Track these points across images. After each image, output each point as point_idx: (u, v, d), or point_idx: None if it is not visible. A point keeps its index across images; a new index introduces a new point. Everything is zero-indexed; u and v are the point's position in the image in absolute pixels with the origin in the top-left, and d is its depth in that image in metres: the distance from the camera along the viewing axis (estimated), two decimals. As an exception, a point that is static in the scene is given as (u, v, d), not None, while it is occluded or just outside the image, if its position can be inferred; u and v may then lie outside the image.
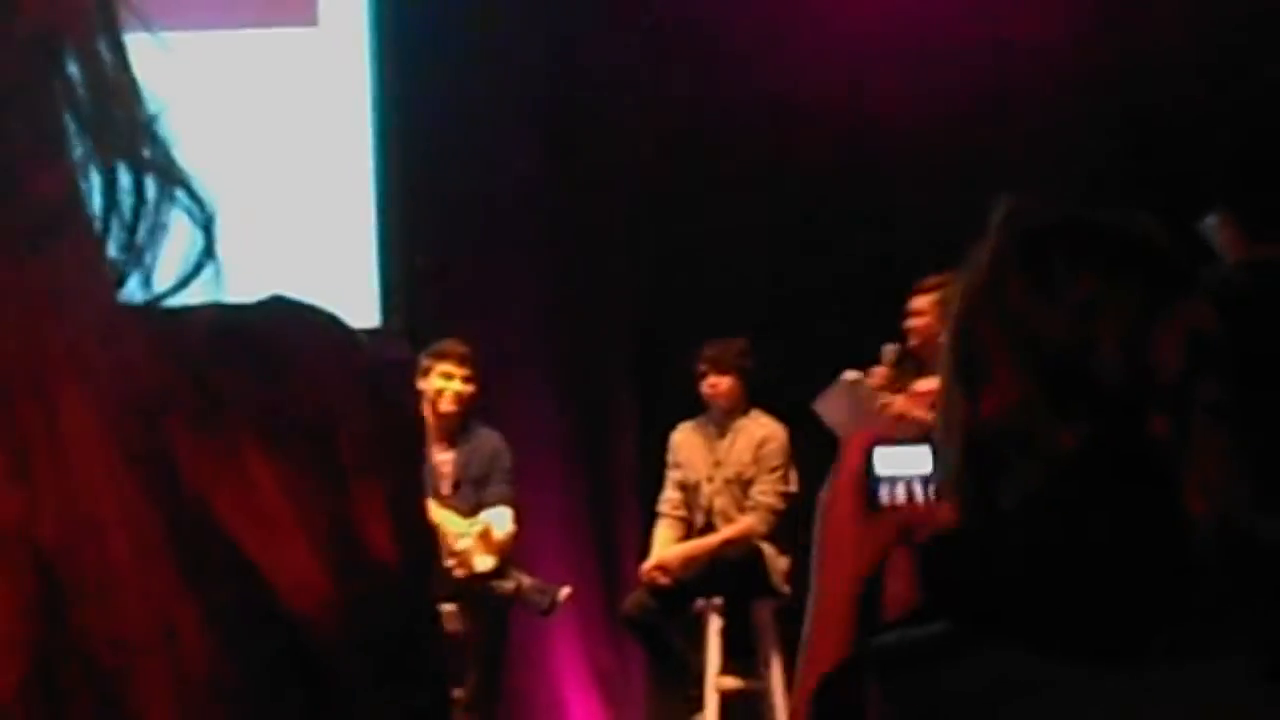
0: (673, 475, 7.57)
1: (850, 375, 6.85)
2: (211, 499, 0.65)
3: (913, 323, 6.92)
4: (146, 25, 0.68)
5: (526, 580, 7.21)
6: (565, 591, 7.25)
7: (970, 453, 1.53)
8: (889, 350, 6.98)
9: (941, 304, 6.77)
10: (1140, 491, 1.44)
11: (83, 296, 0.64)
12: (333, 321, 0.73)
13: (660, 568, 7.36)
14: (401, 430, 0.72)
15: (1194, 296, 1.50)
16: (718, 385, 7.47)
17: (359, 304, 8.04)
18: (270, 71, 8.07)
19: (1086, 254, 1.51)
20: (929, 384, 6.81)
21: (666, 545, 7.46)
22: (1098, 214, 1.56)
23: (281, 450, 0.67)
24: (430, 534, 0.74)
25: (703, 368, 7.49)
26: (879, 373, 6.99)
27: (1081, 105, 8.01)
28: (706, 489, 7.48)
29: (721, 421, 7.52)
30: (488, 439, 7.35)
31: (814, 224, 8.07)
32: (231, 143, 8.16)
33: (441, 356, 7.26)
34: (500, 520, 7.18)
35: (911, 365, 6.97)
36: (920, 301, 6.90)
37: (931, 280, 6.87)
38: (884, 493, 1.66)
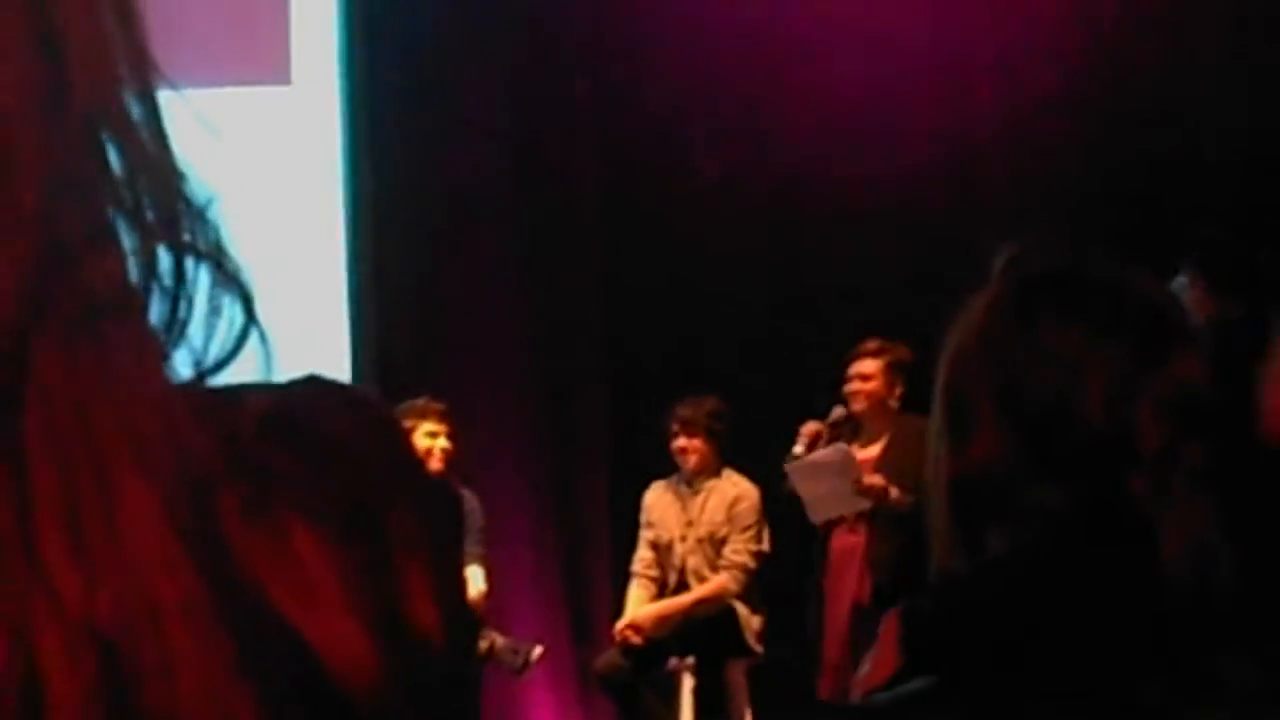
0: (645, 535, 7.55)
1: (844, 446, 6.85)
2: (264, 579, 0.65)
3: (859, 386, 6.89)
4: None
5: (499, 639, 7.18)
6: (538, 651, 7.22)
7: (955, 501, 1.52)
8: (838, 412, 6.98)
9: (888, 369, 6.78)
10: (1119, 550, 1.45)
11: (136, 379, 0.65)
12: (372, 402, 0.75)
13: (633, 627, 7.33)
14: (444, 510, 0.74)
15: (1186, 356, 1.50)
16: (688, 446, 7.45)
17: (329, 361, 8.02)
18: (244, 130, 8.07)
19: (1079, 308, 1.50)
20: (868, 452, 6.83)
21: (639, 605, 7.43)
22: (1095, 267, 1.55)
23: (330, 531, 0.68)
24: (470, 612, 0.75)
25: (674, 428, 7.47)
26: (809, 431, 7.00)
27: (1046, 167, 8.05)
28: (679, 548, 7.46)
29: (693, 481, 7.51)
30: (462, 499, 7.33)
31: (786, 284, 8.09)
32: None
33: (423, 415, 7.18)
34: (473, 579, 7.14)
35: (848, 429, 6.98)
36: (868, 365, 6.88)
37: (872, 344, 6.89)
38: None
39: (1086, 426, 1.45)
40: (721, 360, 7.84)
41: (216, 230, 0.69)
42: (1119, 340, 1.48)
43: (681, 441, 7.46)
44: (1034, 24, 8.23)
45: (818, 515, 6.87)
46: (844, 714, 1.49)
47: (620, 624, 7.40)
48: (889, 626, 1.70)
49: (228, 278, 0.69)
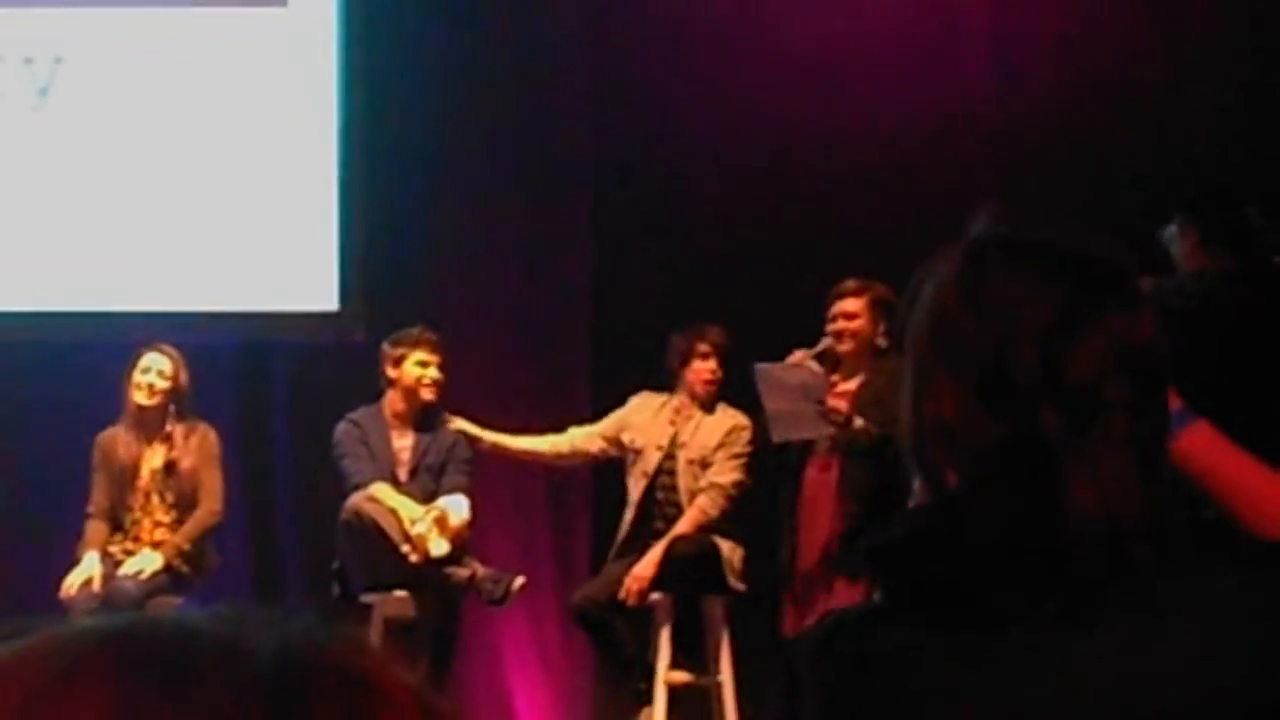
0: (609, 421, 7.57)
1: (815, 365, 6.84)
2: None
3: (844, 325, 6.86)
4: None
5: (481, 569, 7.20)
6: (520, 581, 7.23)
7: (916, 448, 1.66)
8: (826, 343, 6.93)
9: (872, 305, 6.79)
10: (1030, 485, 1.57)
11: None
12: None
13: (639, 592, 7.22)
14: None
15: (1123, 308, 1.61)
16: (718, 373, 7.44)
17: (319, 286, 8.02)
18: (239, 51, 8.04)
19: (1017, 265, 1.63)
20: (847, 386, 6.84)
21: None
22: (1041, 230, 1.68)
23: None
24: None
25: (702, 348, 7.40)
26: (794, 359, 6.95)
27: (1029, 131, 8.05)
28: (653, 457, 7.40)
29: (697, 404, 7.47)
30: (448, 428, 7.38)
31: (771, 231, 8.08)
32: (199, 121, 8.15)
33: (416, 344, 7.30)
34: (457, 507, 7.18)
35: (829, 360, 6.96)
36: (850, 304, 6.86)
37: (851, 283, 6.87)
38: None
39: (1022, 374, 1.58)
40: (706, 301, 7.81)
41: None
42: (1054, 292, 1.60)
43: (712, 364, 7.40)
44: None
45: (778, 432, 6.83)
46: (812, 632, 1.68)
47: (629, 583, 7.24)
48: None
49: None
